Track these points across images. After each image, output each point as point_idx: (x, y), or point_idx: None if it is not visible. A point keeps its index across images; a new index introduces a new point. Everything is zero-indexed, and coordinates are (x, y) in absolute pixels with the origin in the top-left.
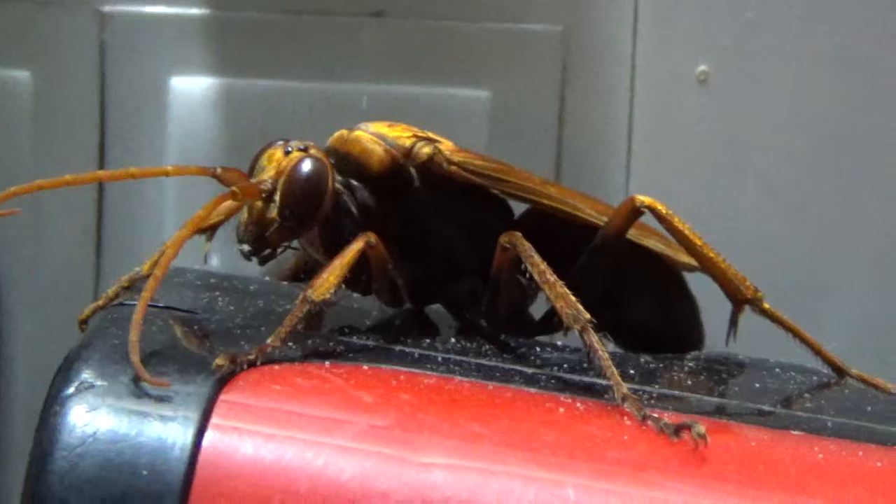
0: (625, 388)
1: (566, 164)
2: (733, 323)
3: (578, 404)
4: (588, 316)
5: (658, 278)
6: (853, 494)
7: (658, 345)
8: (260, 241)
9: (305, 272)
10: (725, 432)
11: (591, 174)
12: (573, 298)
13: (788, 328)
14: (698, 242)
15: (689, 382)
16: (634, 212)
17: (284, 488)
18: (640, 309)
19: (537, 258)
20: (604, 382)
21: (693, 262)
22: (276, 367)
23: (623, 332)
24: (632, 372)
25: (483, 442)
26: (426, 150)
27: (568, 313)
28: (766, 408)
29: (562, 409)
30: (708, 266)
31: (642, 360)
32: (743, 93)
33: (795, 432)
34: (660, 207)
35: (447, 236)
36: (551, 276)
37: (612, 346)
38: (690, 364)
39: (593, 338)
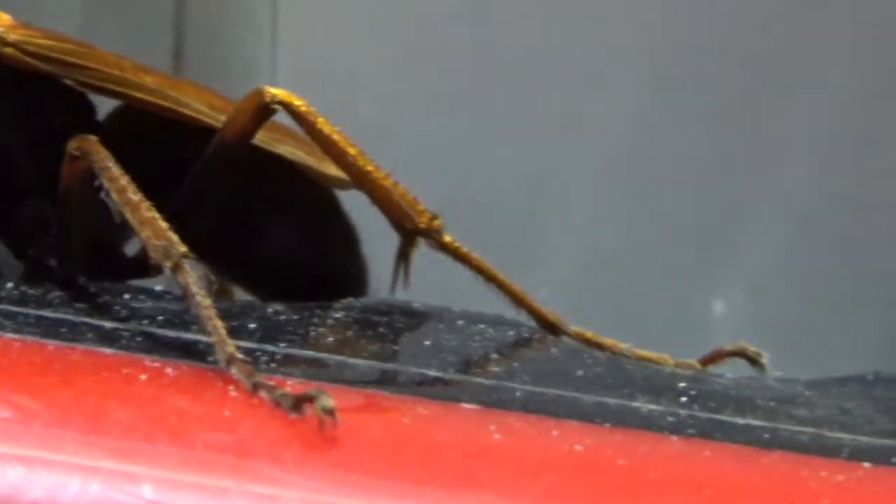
0: (231, 347)
1: (190, 41)
2: (402, 260)
3: (168, 370)
4: (182, 249)
5: (298, 199)
6: (538, 486)
7: (300, 289)
8: None
9: None
10: (370, 407)
11: (224, 58)
12: (163, 225)
13: (478, 269)
14: (351, 151)
15: (332, 339)
16: (263, 109)
17: None
18: (272, 240)
19: (116, 171)
20: (209, 340)
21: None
22: None
23: (252, 272)
24: (253, 326)
25: (32, 422)
26: None
27: (156, 245)
28: (433, 373)
29: (144, 377)
30: (365, 183)
31: (271, 310)
32: None
33: (469, 405)
34: (297, 103)
35: (1, 144)
36: (134, 196)
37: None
38: (338, 315)
39: (190, 279)
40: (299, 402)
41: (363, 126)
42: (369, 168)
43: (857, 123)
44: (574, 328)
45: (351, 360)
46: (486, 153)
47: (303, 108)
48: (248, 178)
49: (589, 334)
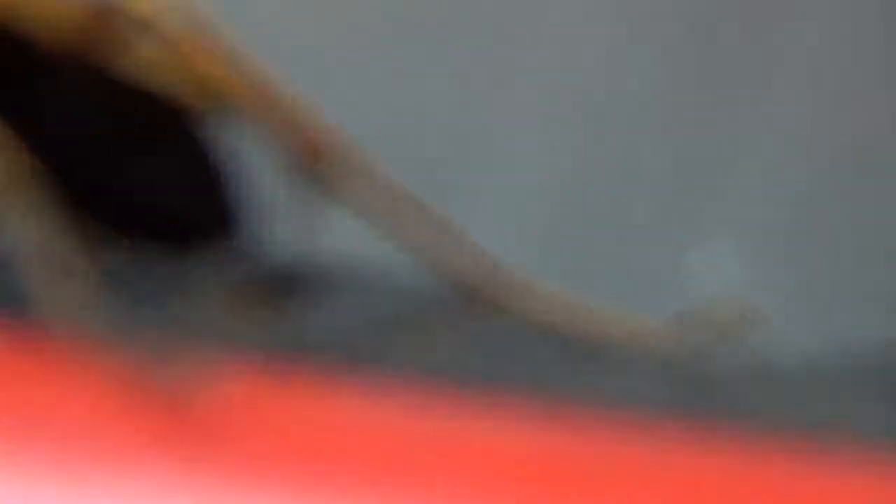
0: (86, 318)
1: None
2: (293, 206)
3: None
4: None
5: (165, 130)
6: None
7: (167, 231)
8: None
9: None
10: (257, 394)
11: None
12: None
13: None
14: (236, 75)
15: (201, 305)
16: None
17: None
18: (134, 176)
19: None
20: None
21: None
22: None
23: (114, 211)
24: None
25: None
26: None
27: None
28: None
29: None
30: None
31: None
32: None
33: (347, 381)
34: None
35: None
36: None
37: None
38: (212, 276)
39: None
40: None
41: (275, 47)
42: (252, 95)
43: (871, 47)
44: (493, 291)
45: (216, 329)
46: (417, 77)
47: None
48: (99, 98)
49: (513, 299)
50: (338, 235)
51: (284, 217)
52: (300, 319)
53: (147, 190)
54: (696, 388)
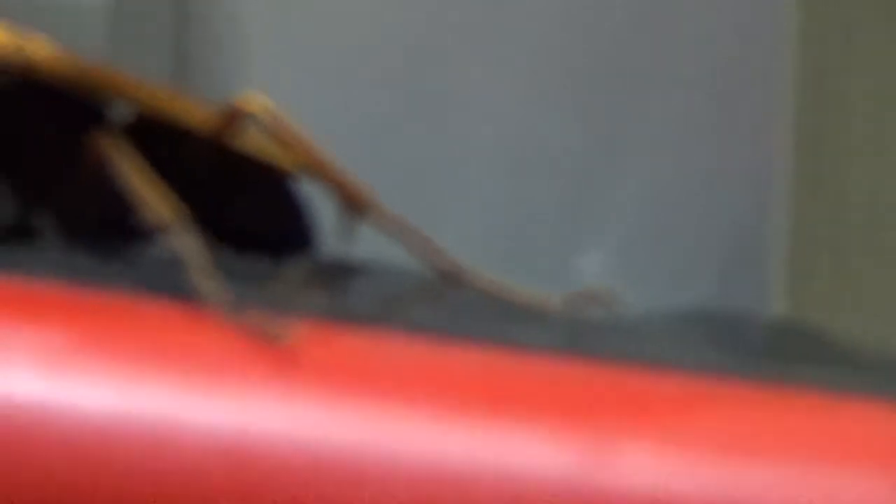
0: (213, 285)
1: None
2: (348, 226)
3: (166, 304)
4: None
5: (260, 179)
6: (452, 394)
7: (261, 248)
8: None
9: None
10: (322, 336)
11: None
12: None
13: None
14: (314, 151)
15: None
16: (237, 114)
17: None
18: (242, 211)
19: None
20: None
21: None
22: None
23: (225, 237)
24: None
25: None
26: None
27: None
28: (365, 310)
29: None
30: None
31: (241, 265)
32: None
33: (396, 334)
34: (266, 114)
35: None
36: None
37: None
38: (292, 269)
39: (183, 238)
40: (265, 329)
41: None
42: (317, 162)
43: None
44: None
45: (306, 301)
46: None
47: (271, 118)
48: (226, 169)
49: (467, 280)
50: (367, 244)
51: (335, 235)
52: (345, 293)
53: (253, 221)
54: (577, 334)
